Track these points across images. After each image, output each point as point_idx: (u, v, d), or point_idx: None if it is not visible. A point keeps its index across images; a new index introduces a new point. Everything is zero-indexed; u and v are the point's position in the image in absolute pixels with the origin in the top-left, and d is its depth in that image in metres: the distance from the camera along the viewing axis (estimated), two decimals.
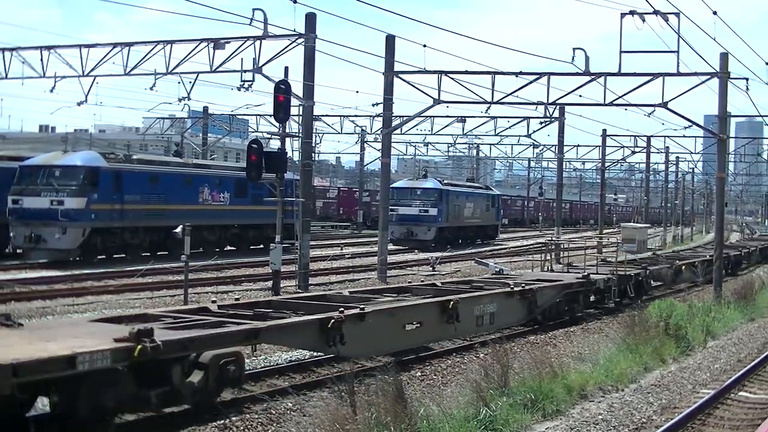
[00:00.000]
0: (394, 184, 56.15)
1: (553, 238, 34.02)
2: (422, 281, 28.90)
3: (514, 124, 56.10)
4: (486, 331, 20.40)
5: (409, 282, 25.83)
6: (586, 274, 26.09)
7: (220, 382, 13.01)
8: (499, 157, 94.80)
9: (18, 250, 37.60)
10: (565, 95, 33.70)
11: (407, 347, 18.04)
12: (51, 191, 36.14)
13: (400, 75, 33.72)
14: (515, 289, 21.43)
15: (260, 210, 41.87)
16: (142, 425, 12.93)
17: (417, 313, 17.99)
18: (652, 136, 69.53)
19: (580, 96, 33.89)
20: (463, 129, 59.44)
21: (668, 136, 68.21)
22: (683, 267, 36.74)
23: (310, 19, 29.52)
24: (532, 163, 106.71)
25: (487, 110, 39.18)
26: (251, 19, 30.71)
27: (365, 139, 71.82)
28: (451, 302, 18.31)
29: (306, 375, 16.46)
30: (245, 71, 32.96)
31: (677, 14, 28.86)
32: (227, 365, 12.97)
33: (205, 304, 18.05)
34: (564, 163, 62.96)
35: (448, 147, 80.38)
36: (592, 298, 27.16)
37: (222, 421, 13.17)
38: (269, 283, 28.52)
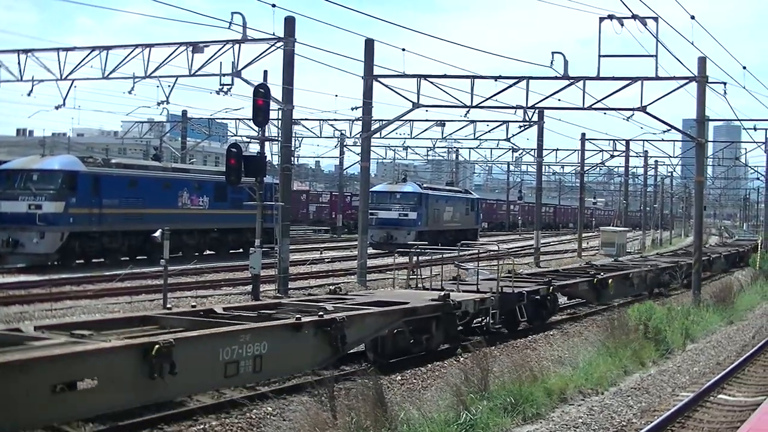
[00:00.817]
0: (374, 188, 56.19)
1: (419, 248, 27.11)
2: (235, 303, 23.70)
3: (493, 128, 56.06)
4: (246, 383, 14.87)
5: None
6: (444, 294, 20.08)
7: None
8: (479, 160, 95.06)
9: None
10: (544, 99, 33.75)
11: (61, 421, 11.95)
12: (29, 195, 35.96)
13: (380, 79, 33.70)
14: (304, 320, 15.06)
15: (240, 214, 41.75)
16: (121, 430, 12.87)
17: (82, 365, 11.39)
18: (630, 139, 69.88)
19: (559, 100, 33.97)
20: (442, 133, 59.41)
21: (647, 140, 68.35)
22: (610, 281, 30.37)
23: (289, 23, 29.47)
24: (512, 167, 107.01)
25: (466, 114, 39.12)
26: (230, 23, 30.60)
27: (345, 143, 71.81)
28: (157, 345, 12.00)
29: (286, 379, 16.39)
30: (224, 75, 32.85)
31: (655, 19, 28.98)
32: None
33: None
34: (543, 166, 63.13)
35: (428, 151, 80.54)
36: (480, 322, 22.57)
37: (201, 426, 13.13)
38: (249, 287, 28.45)
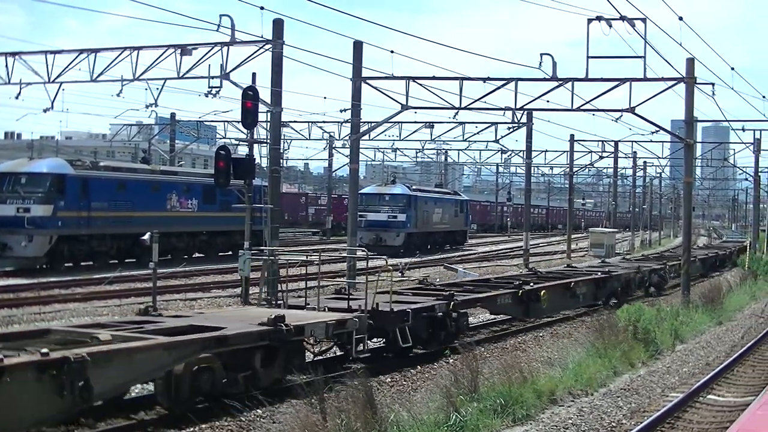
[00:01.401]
0: (363, 190, 56.19)
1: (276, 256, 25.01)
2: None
3: (482, 130, 56.20)
4: None
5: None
6: (275, 316, 15.08)
7: None
8: (468, 162, 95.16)
9: None
10: (533, 100, 33.72)
11: None
12: (17, 199, 35.91)
13: (368, 81, 33.64)
14: (9, 362, 10.82)
15: (229, 216, 41.75)
16: None
17: None
18: (619, 141, 69.94)
19: (548, 101, 33.96)
20: (431, 134, 59.46)
21: (635, 141, 68.42)
22: (542, 292, 25.26)
23: (278, 25, 29.40)
24: (501, 169, 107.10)
25: (455, 116, 39.17)
26: (218, 25, 30.55)
27: (333, 145, 71.76)
28: None
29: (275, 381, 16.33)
30: (213, 77, 32.80)
31: (643, 20, 29.01)
32: None
33: None
34: (532, 168, 63.19)
35: (417, 152, 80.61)
36: (352, 350, 17.06)
37: (191, 429, 13.10)
38: (238, 290, 28.40)
